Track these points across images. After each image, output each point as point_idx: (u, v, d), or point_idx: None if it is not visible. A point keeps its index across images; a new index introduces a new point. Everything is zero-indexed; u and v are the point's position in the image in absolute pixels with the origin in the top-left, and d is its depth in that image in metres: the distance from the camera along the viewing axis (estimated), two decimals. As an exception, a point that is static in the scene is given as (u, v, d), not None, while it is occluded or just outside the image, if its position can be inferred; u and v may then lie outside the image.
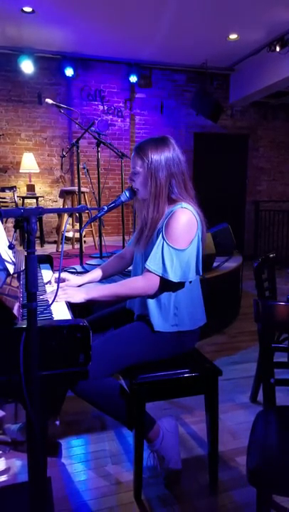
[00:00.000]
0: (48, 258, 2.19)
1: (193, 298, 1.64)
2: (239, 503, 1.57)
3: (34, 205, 5.51)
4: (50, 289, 1.64)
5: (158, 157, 1.53)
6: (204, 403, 1.62)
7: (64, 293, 1.51)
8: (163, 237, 1.51)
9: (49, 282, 1.73)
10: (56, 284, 1.70)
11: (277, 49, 4.98)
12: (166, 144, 1.56)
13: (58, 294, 1.47)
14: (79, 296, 1.51)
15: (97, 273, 1.82)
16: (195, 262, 1.57)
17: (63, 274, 1.68)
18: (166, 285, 1.54)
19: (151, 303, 1.58)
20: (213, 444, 1.62)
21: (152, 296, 1.57)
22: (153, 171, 1.53)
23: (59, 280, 1.40)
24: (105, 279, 1.87)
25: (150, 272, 1.51)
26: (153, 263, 1.51)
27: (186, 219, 1.51)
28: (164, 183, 1.54)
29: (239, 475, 1.71)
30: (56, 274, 1.76)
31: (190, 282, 1.59)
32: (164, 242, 1.50)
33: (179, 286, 1.57)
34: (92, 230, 4.77)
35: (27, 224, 1.02)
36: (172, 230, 1.50)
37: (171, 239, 1.50)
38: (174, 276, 1.50)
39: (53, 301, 1.27)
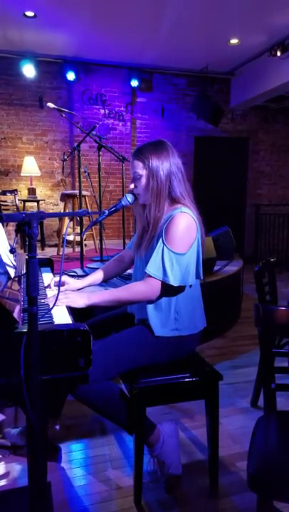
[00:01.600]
0: (48, 261, 2.19)
1: (194, 302, 1.64)
2: (239, 508, 1.56)
3: (35, 209, 5.52)
4: (51, 293, 1.64)
5: (157, 158, 1.56)
6: (205, 407, 1.62)
7: (66, 297, 1.50)
8: (163, 241, 1.51)
9: (48, 286, 1.73)
10: (55, 288, 1.70)
11: (278, 54, 5.00)
12: (164, 146, 1.60)
13: (60, 298, 1.47)
14: (81, 301, 1.51)
15: (96, 276, 1.83)
16: (195, 266, 1.57)
17: (62, 278, 1.68)
18: (166, 289, 1.54)
19: (151, 307, 1.58)
20: (214, 448, 1.61)
21: (152, 301, 1.57)
22: (154, 171, 1.56)
23: (60, 284, 1.40)
24: (105, 281, 1.87)
25: (151, 276, 1.51)
26: (153, 267, 1.51)
27: (185, 223, 1.52)
28: (165, 181, 1.57)
29: (239, 480, 1.71)
30: (55, 278, 1.77)
31: (190, 286, 1.60)
32: (164, 247, 1.50)
33: (179, 290, 1.57)
34: (92, 233, 4.77)
35: (28, 228, 1.02)
36: (172, 234, 1.51)
37: (170, 243, 1.50)
38: (173, 280, 1.50)
39: (54, 305, 1.27)
